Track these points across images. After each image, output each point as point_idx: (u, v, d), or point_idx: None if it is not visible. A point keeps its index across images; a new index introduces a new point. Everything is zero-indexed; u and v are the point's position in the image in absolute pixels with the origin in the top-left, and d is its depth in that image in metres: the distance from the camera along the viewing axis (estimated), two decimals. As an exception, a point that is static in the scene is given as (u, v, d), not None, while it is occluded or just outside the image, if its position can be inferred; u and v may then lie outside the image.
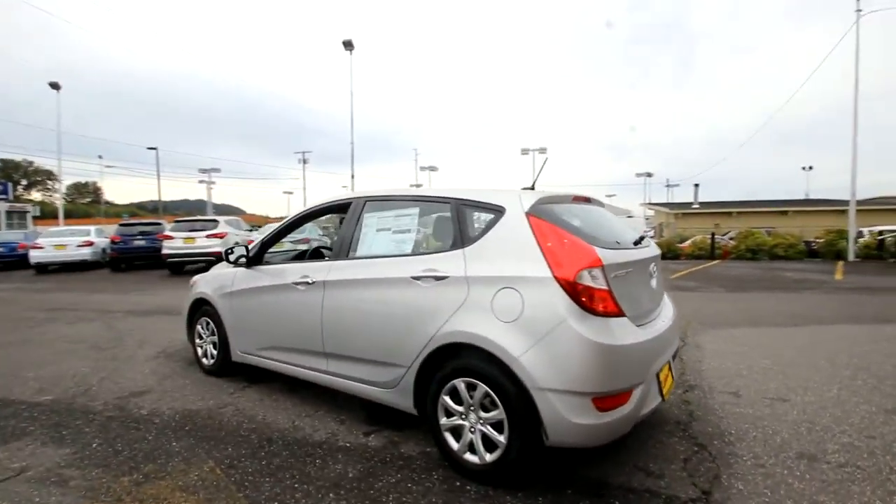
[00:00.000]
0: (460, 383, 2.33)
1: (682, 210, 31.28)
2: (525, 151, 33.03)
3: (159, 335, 5.54)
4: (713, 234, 16.87)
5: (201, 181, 42.02)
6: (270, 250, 3.76)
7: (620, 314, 2.19)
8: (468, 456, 2.33)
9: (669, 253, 15.79)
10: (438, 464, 2.47)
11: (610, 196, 67.11)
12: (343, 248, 3.03)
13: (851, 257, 14.78)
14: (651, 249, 2.77)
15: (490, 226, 2.43)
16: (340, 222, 4.05)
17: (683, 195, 53.93)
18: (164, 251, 12.84)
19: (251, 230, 16.09)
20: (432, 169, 39.21)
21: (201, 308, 4.05)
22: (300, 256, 4.06)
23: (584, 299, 2.09)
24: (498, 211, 2.44)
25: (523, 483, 2.25)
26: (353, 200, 3.17)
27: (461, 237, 2.51)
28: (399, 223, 2.86)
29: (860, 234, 16.02)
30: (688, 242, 17.97)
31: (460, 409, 2.35)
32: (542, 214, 2.35)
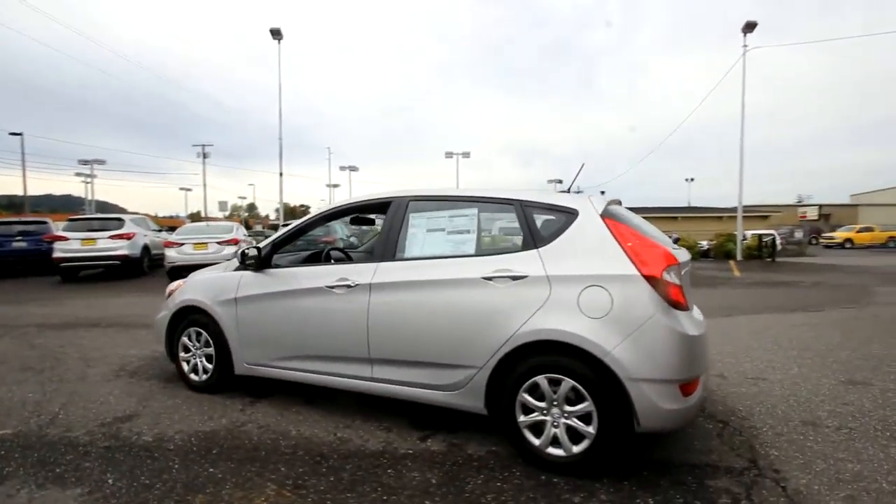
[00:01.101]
0: (542, 380, 2.39)
1: None
2: (449, 155, 33.74)
3: (104, 351, 4.79)
4: None
5: (78, 174, 36.47)
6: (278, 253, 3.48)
7: (687, 308, 2.43)
8: (551, 450, 2.40)
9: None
10: (513, 461, 2.51)
11: None
12: (388, 250, 2.93)
13: (739, 257, 17.49)
14: (684, 251, 3.08)
15: (564, 227, 2.53)
16: (354, 222, 3.89)
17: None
18: (57, 254, 11.00)
19: (160, 231, 14.42)
20: (352, 169, 38.25)
21: (187, 318, 3.61)
22: (312, 259, 3.81)
23: (667, 295, 2.28)
24: (570, 213, 2.55)
25: (606, 471, 2.37)
26: (392, 200, 3.07)
27: (532, 238, 2.57)
28: (455, 223, 2.84)
29: (744, 237, 18.92)
30: None
31: (541, 404, 2.42)
32: (615, 217, 2.51)
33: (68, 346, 5.06)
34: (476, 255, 2.69)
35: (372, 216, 4.01)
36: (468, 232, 2.78)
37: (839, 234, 29.08)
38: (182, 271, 11.48)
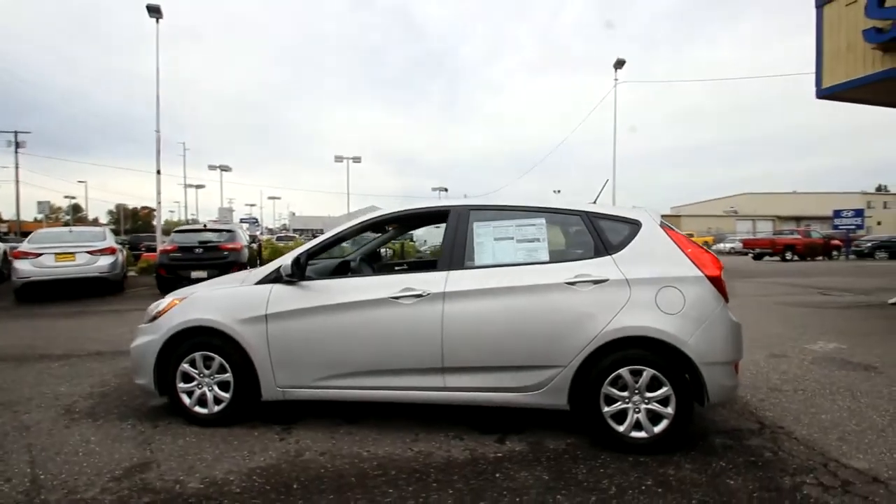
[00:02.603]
0: (625, 372, 2.69)
1: None
2: (339, 159, 32.54)
3: (23, 392, 3.76)
4: None
5: None
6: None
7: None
8: (634, 433, 2.70)
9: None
10: (594, 449, 2.74)
11: None
12: (456, 258, 2.95)
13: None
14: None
15: (631, 236, 2.87)
16: (373, 229, 3.73)
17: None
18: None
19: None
20: (224, 169, 34.30)
21: (189, 342, 3.09)
22: (341, 269, 3.54)
23: (723, 291, 2.76)
24: (634, 224, 2.91)
25: (678, 446, 2.75)
26: (451, 209, 3.09)
27: (604, 245, 2.86)
28: (523, 232, 2.98)
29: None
30: None
31: (624, 394, 2.71)
32: (669, 227, 2.94)
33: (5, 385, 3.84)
34: (551, 261, 2.88)
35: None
36: (538, 240, 2.96)
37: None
38: (39, 288, 9.30)
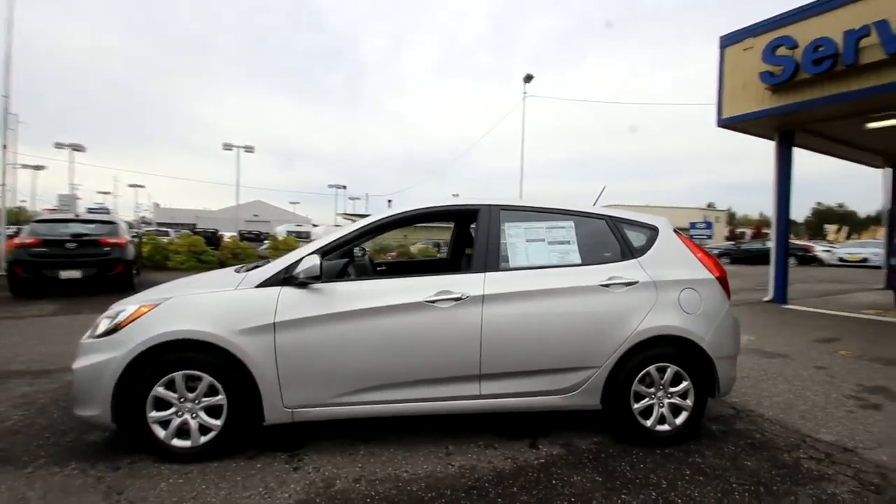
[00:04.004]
0: (653, 369, 2.83)
1: None
2: (228, 147, 29.12)
3: None
4: (439, 245, 20.04)
5: None
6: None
7: None
8: (659, 427, 2.85)
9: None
10: (624, 445, 2.83)
11: (294, 203, 67.21)
12: (490, 259, 2.82)
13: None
14: None
15: (651, 241, 3.03)
16: (392, 227, 3.44)
17: (360, 208, 59.95)
18: None
19: None
20: (76, 148, 28.20)
21: (166, 359, 2.50)
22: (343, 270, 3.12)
23: (727, 291, 3.06)
24: (653, 229, 3.07)
25: (690, 437, 2.97)
26: (479, 207, 2.95)
27: (630, 249, 2.98)
28: (554, 234, 2.97)
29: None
30: (417, 247, 20.62)
31: (651, 390, 2.85)
32: (679, 232, 3.17)
33: None
34: (583, 264, 2.91)
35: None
36: (568, 243, 2.97)
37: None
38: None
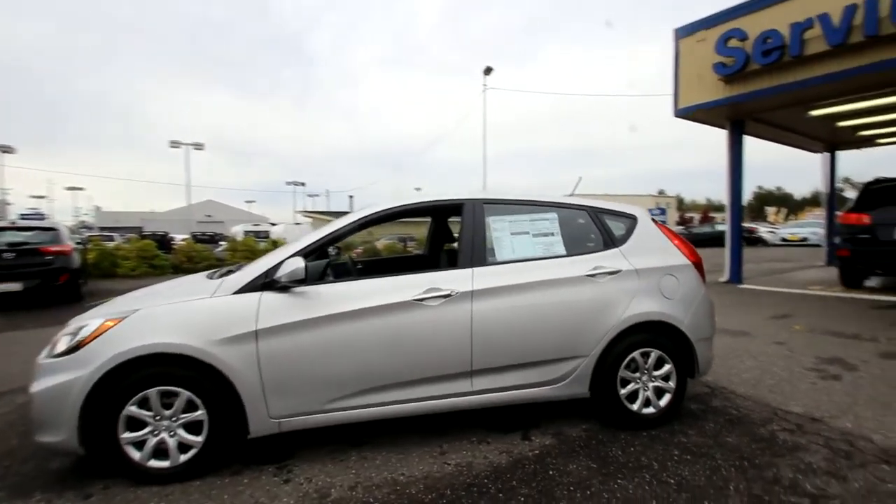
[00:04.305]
0: (637, 355, 2.90)
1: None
2: (175, 144, 27.53)
3: None
4: (405, 240, 19.69)
5: None
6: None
7: None
8: (645, 410, 2.93)
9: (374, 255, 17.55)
10: (612, 431, 2.89)
11: (249, 202, 64.71)
12: (477, 254, 2.79)
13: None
14: None
15: (631, 229, 3.09)
16: (376, 223, 3.34)
17: (320, 204, 58.55)
18: None
19: None
20: (5, 150, 25.75)
21: (140, 374, 2.33)
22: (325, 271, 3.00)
23: (703, 275, 3.17)
24: (632, 218, 3.13)
25: (673, 418, 3.06)
26: (464, 202, 2.91)
27: (611, 239, 3.03)
28: (538, 227, 2.97)
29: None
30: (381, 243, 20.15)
31: (636, 375, 2.92)
32: (656, 220, 3.24)
33: None
34: (568, 255, 2.93)
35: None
36: (553, 234, 2.98)
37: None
38: None
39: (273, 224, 38.00)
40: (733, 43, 7.01)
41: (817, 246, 20.90)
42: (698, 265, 3.13)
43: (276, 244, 16.66)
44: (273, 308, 2.47)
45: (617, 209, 3.17)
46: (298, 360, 2.47)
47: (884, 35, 5.61)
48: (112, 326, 2.35)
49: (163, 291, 2.75)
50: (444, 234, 4.00)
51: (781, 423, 2.99)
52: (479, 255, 2.80)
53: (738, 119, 8.30)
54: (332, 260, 3.42)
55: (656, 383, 2.95)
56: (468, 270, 2.74)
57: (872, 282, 8.21)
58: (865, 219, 6.88)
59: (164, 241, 23.34)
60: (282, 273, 2.45)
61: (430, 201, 2.94)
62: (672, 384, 2.96)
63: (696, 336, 2.99)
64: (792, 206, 64.99)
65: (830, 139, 10.49)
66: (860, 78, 6.12)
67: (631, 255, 3.00)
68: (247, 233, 27.37)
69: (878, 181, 7.47)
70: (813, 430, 2.90)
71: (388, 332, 2.57)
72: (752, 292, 8.40)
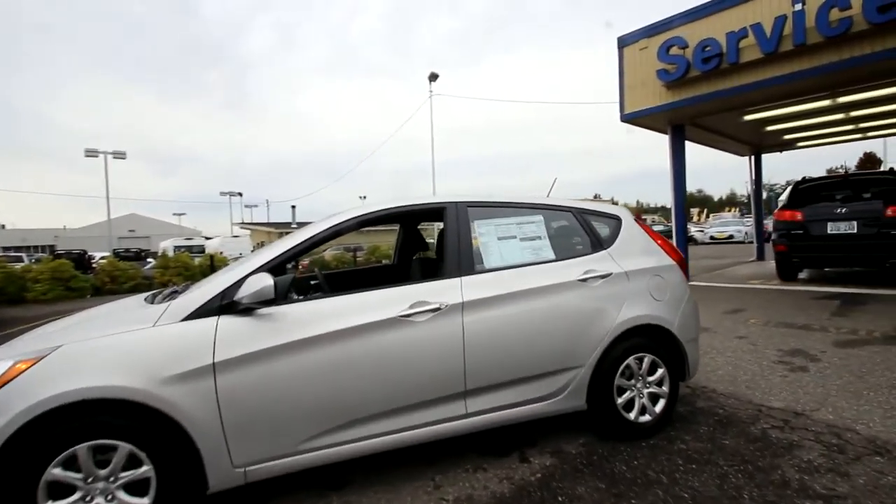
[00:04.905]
0: (631, 360, 2.78)
1: (283, 229, 33.06)
2: (92, 153, 24.79)
3: None
4: (354, 250, 18.89)
5: None
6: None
7: None
8: (641, 419, 2.80)
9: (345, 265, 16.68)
10: (610, 443, 2.74)
11: (179, 215, 60.22)
12: (465, 261, 2.55)
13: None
14: None
15: (616, 231, 2.98)
16: (351, 230, 3.03)
17: (260, 215, 55.67)
18: None
19: None
20: None
21: (66, 427, 1.86)
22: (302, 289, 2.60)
23: (687, 275, 3.12)
24: (616, 219, 3.03)
25: (667, 423, 2.96)
26: (446, 205, 2.66)
27: (598, 241, 2.90)
28: (525, 230, 2.78)
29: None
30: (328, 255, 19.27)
31: (631, 382, 2.79)
32: (638, 220, 3.16)
33: None
34: (558, 259, 2.76)
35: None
36: (540, 238, 2.80)
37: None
38: None
39: (208, 238, 35.67)
40: (675, 51, 7.33)
41: (741, 243, 22.73)
42: (682, 264, 3.08)
43: (213, 259, 15.53)
44: (234, 335, 2.08)
45: (601, 210, 3.06)
46: (267, 396, 2.10)
47: (811, 44, 6.07)
48: (25, 369, 1.87)
49: (91, 321, 2.27)
50: (415, 241, 3.73)
51: (769, 421, 2.98)
52: (466, 262, 2.56)
53: (679, 124, 8.71)
54: (296, 275, 3.04)
55: (651, 389, 2.84)
56: (456, 280, 2.49)
57: (804, 274, 8.87)
58: (799, 215, 7.40)
59: (81, 260, 21.15)
60: (245, 293, 2.08)
61: (409, 205, 2.66)
62: (666, 389, 2.87)
63: (685, 337, 2.93)
64: (712, 206, 70.63)
65: (757, 143, 11.33)
66: (791, 84, 6.58)
67: (619, 257, 2.89)
68: (178, 248, 25.38)
69: (804, 181, 8.09)
70: (799, 424, 2.91)
71: (373, 354, 2.26)
72: (701, 289, 8.77)
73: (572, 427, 2.95)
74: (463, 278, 2.50)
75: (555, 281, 2.66)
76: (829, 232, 7.10)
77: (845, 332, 4.94)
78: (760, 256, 12.34)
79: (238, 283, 2.13)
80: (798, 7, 5.97)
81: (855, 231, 6.84)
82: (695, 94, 7.39)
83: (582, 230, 2.93)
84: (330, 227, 2.45)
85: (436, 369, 2.36)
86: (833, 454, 2.53)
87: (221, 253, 21.06)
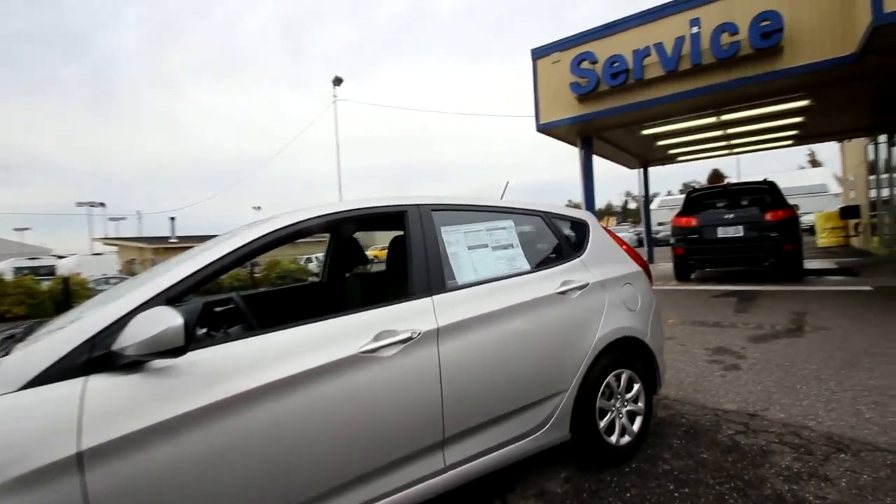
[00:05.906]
0: (611, 378, 2.54)
1: (160, 244, 28.74)
2: None
3: None
4: (252, 265, 17.05)
5: None
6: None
7: None
8: (622, 441, 2.57)
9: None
10: (594, 473, 2.47)
11: (21, 230, 49.85)
12: (435, 278, 2.09)
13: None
14: None
15: (584, 236, 2.75)
16: (282, 243, 2.41)
17: (128, 229, 48.51)
18: None
19: None
20: None
21: None
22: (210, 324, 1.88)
23: (651, 281, 2.99)
24: (583, 224, 2.79)
25: (643, 441, 2.77)
26: (407, 209, 2.18)
27: (570, 248, 2.63)
28: (496, 237, 2.40)
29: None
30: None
31: (610, 402, 2.55)
32: (603, 225, 2.97)
33: None
34: (532, 270, 2.43)
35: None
36: (512, 246, 2.45)
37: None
38: None
39: (60, 257, 30.04)
40: (585, 65, 7.65)
41: (638, 246, 25.06)
42: (647, 271, 2.95)
43: (67, 283, 12.88)
44: (111, 405, 1.39)
45: (568, 214, 2.81)
46: (169, 491, 1.43)
47: (705, 64, 6.67)
48: None
49: None
50: (352, 253, 3.16)
51: (730, 426, 2.94)
52: (436, 278, 2.10)
53: (587, 136, 9.14)
54: (205, 304, 2.32)
55: (629, 407, 2.63)
56: (426, 300, 2.02)
57: (695, 274, 9.78)
58: (694, 221, 8.12)
59: None
60: (132, 339, 1.39)
61: (358, 209, 2.11)
62: (642, 405, 2.68)
63: (656, 347, 2.78)
64: (596, 216, 78.14)
65: (647, 156, 12.44)
66: (688, 101, 7.20)
67: (591, 265, 2.65)
68: (19, 269, 20.81)
69: (695, 190, 8.95)
70: (759, 427, 2.90)
71: (327, 406, 1.70)
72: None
73: (548, 460, 2.61)
74: (434, 298, 2.04)
75: (534, 295, 2.31)
76: (719, 236, 7.87)
77: (753, 328, 5.35)
78: (652, 259, 13.54)
79: (119, 324, 1.44)
80: (695, 30, 6.53)
81: (741, 234, 7.66)
82: (604, 108, 7.77)
83: (553, 236, 2.64)
84: (263, 236, 1.82)
85: (408, 416, 1.87)
86: (803, 456, 2.51)
87: (80, 274, 17.82)
